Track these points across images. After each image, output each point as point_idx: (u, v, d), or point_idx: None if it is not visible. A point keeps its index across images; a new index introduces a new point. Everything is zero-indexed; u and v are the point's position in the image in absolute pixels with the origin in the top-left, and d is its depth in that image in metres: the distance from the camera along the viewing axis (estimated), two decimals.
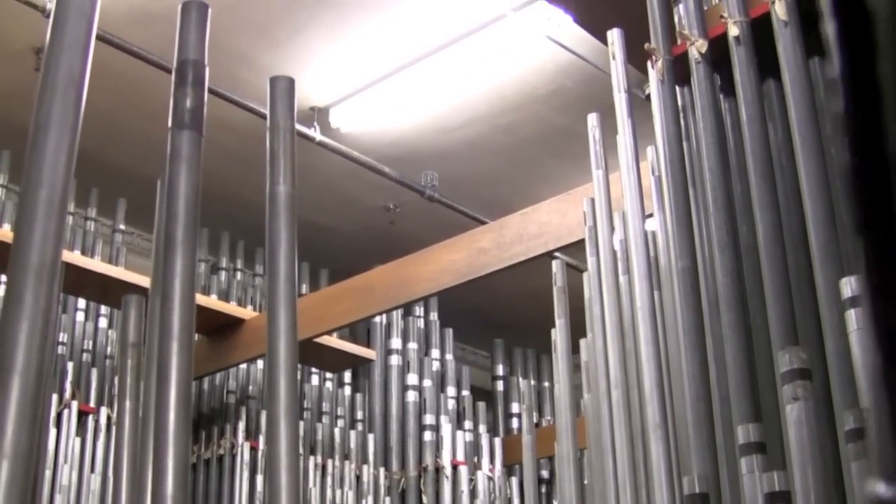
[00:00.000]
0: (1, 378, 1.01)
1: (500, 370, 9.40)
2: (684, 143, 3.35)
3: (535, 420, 7.79)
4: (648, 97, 3.49)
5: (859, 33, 0.64)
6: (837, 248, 2.83)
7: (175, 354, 1.17)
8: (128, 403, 1.56)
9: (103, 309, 7.32)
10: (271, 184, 1.41)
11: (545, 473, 8.57)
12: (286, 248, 1.35)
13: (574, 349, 3.75)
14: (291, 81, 1.50)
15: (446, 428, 8.14)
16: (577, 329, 3.74)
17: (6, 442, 0.98)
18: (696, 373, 3.07)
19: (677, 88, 3.37)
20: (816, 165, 2.90)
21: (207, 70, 1.39)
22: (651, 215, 3.51)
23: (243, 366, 7.71)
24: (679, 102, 3.38)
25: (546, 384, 9.55)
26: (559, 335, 3.75)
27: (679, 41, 3.36)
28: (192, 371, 1.21)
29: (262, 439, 7.35)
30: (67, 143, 1.09)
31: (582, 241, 4.01)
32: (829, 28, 0.66)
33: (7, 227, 6.94)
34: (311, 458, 7.43)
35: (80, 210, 7.46)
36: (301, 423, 7.07)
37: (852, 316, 2.62)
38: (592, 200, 3.71)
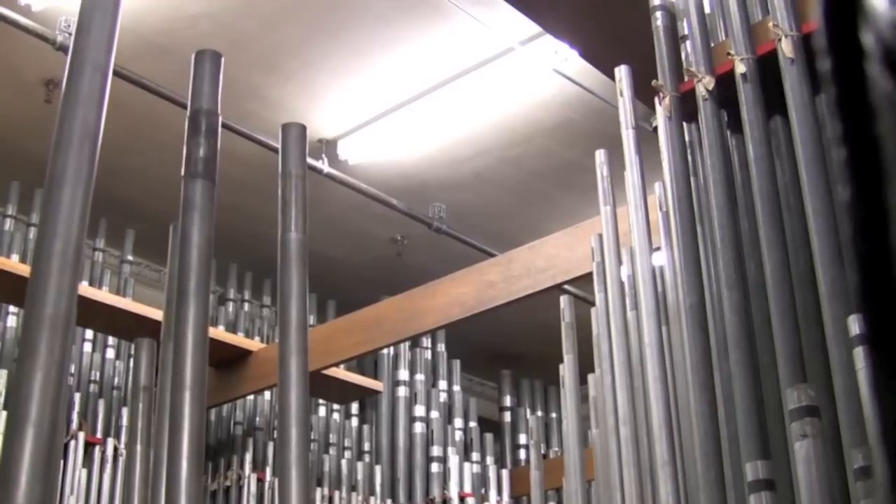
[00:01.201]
0: (15, 428, 1.02)
1: (507, 401, 9.39)
2: (692, 179, 3.36)
3: (542, 451, 7.78)
4: (656, 129, 3.50)
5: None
6: (845, 285, 2.83)
7: (188, 403, 1.18)
8: (139, 448, 1.56)
9: (111, 340, 7.33)
10: (283, 230, 1.42)
11: None
12: (297, 294, 1.36)
13: (582, 382, 3.75)
14: (303, 128, 1.51)
15: (454, 459, 8.12)
16: (586, 362, 3.74)
17: (20, 492, 0.98)
18: (705, 410, 3.07)
19: (685, 125, 3.38)
20: (823, 203, 2.91)
21: (220, 119, 1.40)
22: (658, 249, 3.51)
23: (251, 397, 7.71)
24: (686, 139, 3.39)
25: (553, 415, 9.53)
26: (567, 371, 3.76)
27: (686, 78, 3.37)
28: (204, 419, 1.22)
29: (269, 471, 7.34)
30: (82, 195, 1.10)
31: (590, 275, 4.01)
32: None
33: (15, 257, 6.96)
34: (319, 490, 7.42)
35: (88, 241, 7.47)
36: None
37: (860, 354, 2.62)
38: (600, 236, 3.72)
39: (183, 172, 1.34)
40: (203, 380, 1.22)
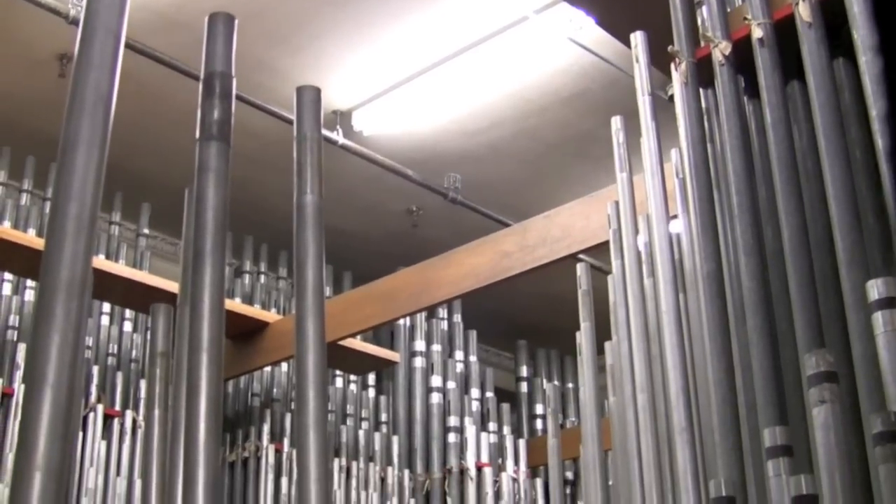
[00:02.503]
0: (33, 392, 1.02)
1: (523, 372, 9.40)
2: (708, 146, 3.34)
3: (559, 421, 7.76)
4: (671, 98, 3.48)
5: None
6: (863, 250, 2.82)
7: (205, 367, 1.18)
8: (156, 412, 1.56)
9: (128, 313, 7.35)
10: (298, 193, 1.42)
11: (570, 475, 8.57)
12: (314, 258, 1.36)
13: (599, 351, 3.75)
14: (318, 91, 1.51)
15: (470, 430, 8.14)
16: (602, 331, 3.73)
17: (39, 455, 0.98)
18: (722, 376, 3.06)
19: (701, 91, 3.36)
20: (842, 168, 2.89)
21: (234, 81, 1.39)
22: (675, 216, 3.50)
23: (268, 369, 7.73)
24: (703, 105, 3.37)
25: (570, 385, 9.54)
26: (584, 339, 3.75)
27: (702, 44, 3.35)
28: (221, 383, 1.22)
29: (286, 442, 7.37)
30: (96, 159, 1.10)
31: (606, 244, 4.00)
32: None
33: (32, 231, 6.98)
34: (336, 461, 7.44)
35: (104, 215, 7.49)
36: None
37: (879, 319, 2.60)
38: (616, 203, 3.71)
39: (197, 135, 1.34)
40: (220, 343, 1.22)
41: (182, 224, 1.63)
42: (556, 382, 9.48)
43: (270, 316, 7.45)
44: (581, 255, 5.57)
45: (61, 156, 1.11)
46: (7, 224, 6.95)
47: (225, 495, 7.21)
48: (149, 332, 1.59)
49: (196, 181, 1.31)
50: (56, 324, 1.03)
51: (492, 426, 8.41)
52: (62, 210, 1.08)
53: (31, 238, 6.47)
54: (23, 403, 1.04)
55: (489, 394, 8.66)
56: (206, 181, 1.30)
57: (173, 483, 1.32)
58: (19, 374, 6.29)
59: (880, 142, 2.74)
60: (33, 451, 0.99)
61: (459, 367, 8.53)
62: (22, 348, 6.49)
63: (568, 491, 8.55)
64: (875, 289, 2.62)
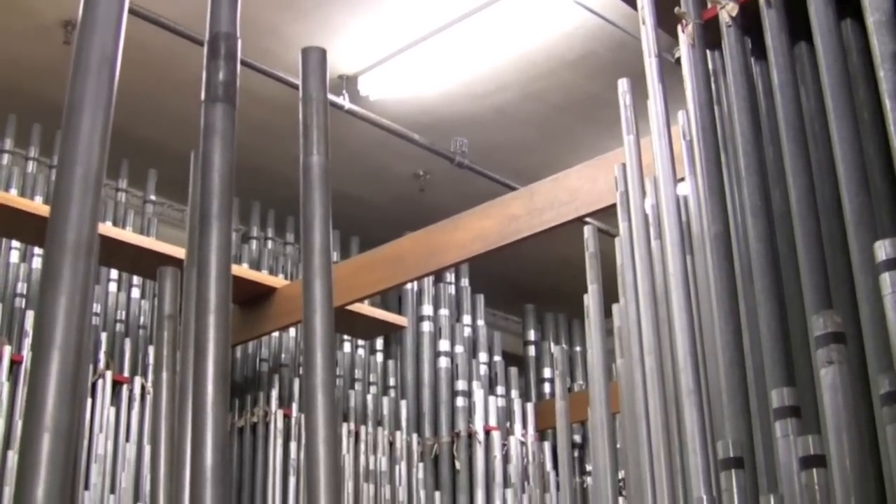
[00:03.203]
0: (41, 354, 1.02)
1: (531, 336, 9.41)
2: (715, 108, 3.33)
3: (567, 385, 7.75)
4: (678, 61, 3.47)
5: None
6: (871, 211, 2.82)
7: (212, 328, 1.18)
8: (164, 375, 1.57)
9: (136, 279, 7.36)
10: (305, 154, 1.41)
11: (577, 438, 8.59)
12: (321, 219, 1.35)
13: (607, 314, 3.75)
14: (323, 52, 1.50)
15: (478, 394, 8.16)
16: (609, 294, 3.73)
17: (47, 416, 0.98)
18: (730, 338, 3.06)
19: (708, 53, 3.35)
20: (849, 130, 2.88)
21: (239, 42, 1.39)
22: (682, 180, 3.50)
23: (276, 334, 7.74)
24: (710, 67, 3.36)
25: (578, 349, 9.55)
26: (592, 301, 3.75)
27: (709, 5, 3.34)
28: (229, 345, 1.22)
29: (295, 407, 7.39)
30: (102, 120, 1.10)
31: (613, 207, 4.00)
32: None
33: (39, 199, 6.98)
34: (345, 426, 7.47)
35: (110, 181, 7.50)
36: None
37: (887, 279, 2.60)
38: (623, 165, 3.70)
39: (203, 97, 1.34)
40: (227, 305, 1.22)
41: (189, 190, 1.62)
42: (563, 346, 9.48)
43: (278, 281, 7.46)
44: (588, 219, 5.57)
45: (66, 118, 1.11)
46: (14, 192, 6.95)
47: (234, 461, 7.24)
48: (156, 298, 1.60)
49: (202, 143, 1.31)
50: (63, 286, 1.03)
51: (500, 390, 8.42)
52: (68, 172, 1.08)
53: (37, 205, 6.47)
54: (30, 366, 1.05)
55: (497, 358, 8.67)
56: (212, 143, 1.29)
57: (181, 446, 1.33)
58: (28, 342, 6.30)
59: (888, 103, 2.73)
60: (41, 412, 0.99)
61: (467, 331, 8.54)
62: (30, 316, 6.51)
63: (576, 454, 8.58)
64: (883, 250, 2.62)
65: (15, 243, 6.88)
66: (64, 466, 0.96)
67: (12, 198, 6.58)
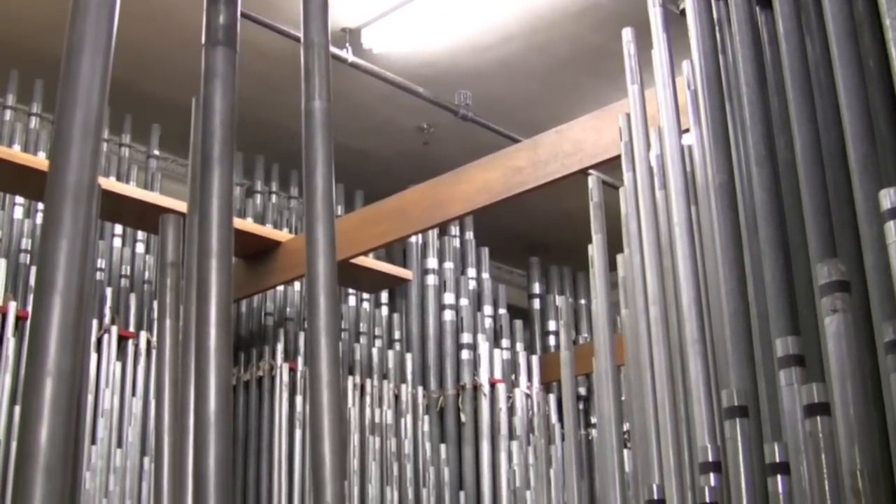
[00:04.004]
0: (42, 298, 1.02)
1: (536, 288, 9.42)
2: (720, 57, 3.32)
3: (571, 337, 7.77)
4: (683, 12, 3.45)
5: None
6: (876, 160, 2.81)
7: (214, 272, 1.17)
8: (168, 322, 1.57)
9: (140, 234, 7.36)
10: (306, 99, 1.41)
11: (582, 391, 8.62)
12: (323, 164, 1.35)
13: (611, 266, 3.74)
14: None
15: (483, 346, 8.17)
16: (614, 247, 3.73)
17: (49, 361, 0.98)
18: (734, 287, 3.06)
19: (713, 2, 3.33)
20: (854, 78, 2.87)
21: None
22: (687, 131, 3.49)
23: (280, 288, 7.75)
24: (715, 16, 3.34)
25: (582, 302, 9.56)
26: (596, 251, 3.74)
27: None
28: (231, 289, 1.21)
29: (300, 361, 7.40)
30: (101, 63, 1.09)
31: (617, 159, 3.99)
32: None
33: (42, 154, 6.97)
34: (350, 379, 7.49)
35: (114, 137, 7.48)
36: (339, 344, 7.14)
37: (892, 228, 2.60)
38: (628, 115, 3.69)
39: (203, 41, 1.33)
40: (229, 249, 1.21)
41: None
42: (568, 298, 9.49)
43: (282, 235, 7.45)
44: (592, 172, 5.55)
45: (66, 62, 1.10)
46: (17, 147, 6.94)
47: (240, 415, 7.27)
48: (159, 247, 1.59)
49: (203, 88, 1.30)
50: (64, 231, 1.03)
51: (505, 343, 8.44)
52: (68, 116, 1.08)
53: (41, 161, 6.46)
54: (32, 310, 1.04)
55: (502, 311, 8.68)
56: (213, 87, 1.29)
57: (185, 390, 1.33)
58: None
59: (894, 51, 2.71)
60: (44, 357, 0.99)
61: (472, 284, 8.55)
62: (35, 271, 6.51)
63: (581, 406, 8.61)
64: (888, 198, 2.61)
65: (19, 199, 6.87)
66: (67, 410, 0.96)
67: (15, 153, 6.57)
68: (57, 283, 1.01)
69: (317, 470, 1.23)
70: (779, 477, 2.64)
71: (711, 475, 2.91)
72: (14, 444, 5.78)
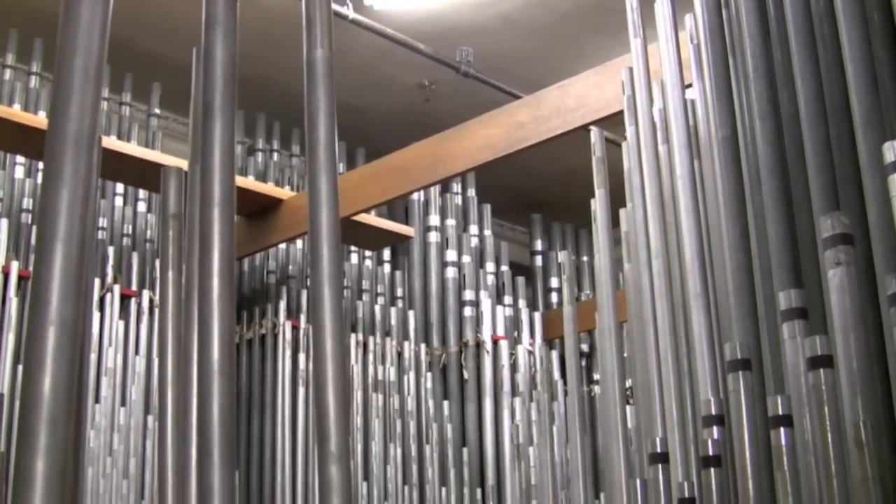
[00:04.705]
0: (44, 247, 1.02)
1: (538, 245, 9.42)
2: (723, 11, 3.30)
3: (574, 293, 7.73)
4: None
5: None
6: (880, 113, 2.79)
7: (217, 222, 1.17)
8: (170, 275, 1.56)
9: (142, 193, 7.35)
10: (308, 49, 1.40)
11: (584, 347, 8.64)
12: (325, 114, 1.34)
13: (614, 224, 3.74)
14: None
15: (486, 303, 8.18)
16: (616, 203, 3.72)
17: (52, 309, 0.98)
18: (737, 241, 3.06)
19: None
20: (858, 31, 2.85)
21: None
22: (690, 86, 3.47)
23: (282, 246, 7.75)
24: None
25: (584, 259, 9.56)
26: (599, 205, 3.74)
27: None
28: (234, 238, 1.21)
29: (303, 318, 7.41)
30: (101, 9, 1.08)
31: (619, 115, 3.97)
32: None
33: (42, 114, 6.95)
34: (353, 336, 7.50)
35: (114, 96, 7.46)
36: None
37: (895, 181, 2.59)
38: (631, 69, 3.67)
39: None
40: (231, 198, 1.21)
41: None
42: (571, 255, 9.48)
43: (284, 193, 7.44)
44: (594, 128, 5.54)
45: (65, 9, 1.09)
46: (17, 107, 6.92)
47: (243, 373, 7.28)
48: (161, 199, 1.59)
49: (203, 36, 1.29)
50: (65, 178, 1.02)
51: (507, 300, 8.44)
52: (68, 64, 1.07)
53: (41, 120, 6.44)
54: (34, 259, 1.04)
55: (504, 268, 8.68)
56: (214, 35, 1.28)
57: (189, 342, 1.33)
58: (33, 265, 6.31)
59: None
60: (46, 306, 0.99)
61: (474, 241, 8.54)
62: (37, 224, 6.50)
63: (583, 363, 8.62)
64: (891, 151, 2.61)
65: (20, 159, 6.86)
66: (70, 359, 0.96)
67: (16, 112, 6.55)
68: (58, 232, 1.01)
69: (321, 421, 1.23)
70: (781, 429, 2.65)
71: (714, 428, 2.92)
72: (18, 403, 5.79)
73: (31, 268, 6.23)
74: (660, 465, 3.10)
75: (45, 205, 1.03)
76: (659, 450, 3.12)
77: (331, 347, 1.29)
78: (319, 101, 1.35)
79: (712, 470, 2.85)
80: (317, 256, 1.28)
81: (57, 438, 0.93)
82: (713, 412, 2.95)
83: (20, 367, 5.98)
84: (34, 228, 6.46)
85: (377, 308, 7.89)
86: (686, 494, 2.96)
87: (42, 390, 0.96)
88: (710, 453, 2.87)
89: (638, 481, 3.19)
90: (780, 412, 2.66)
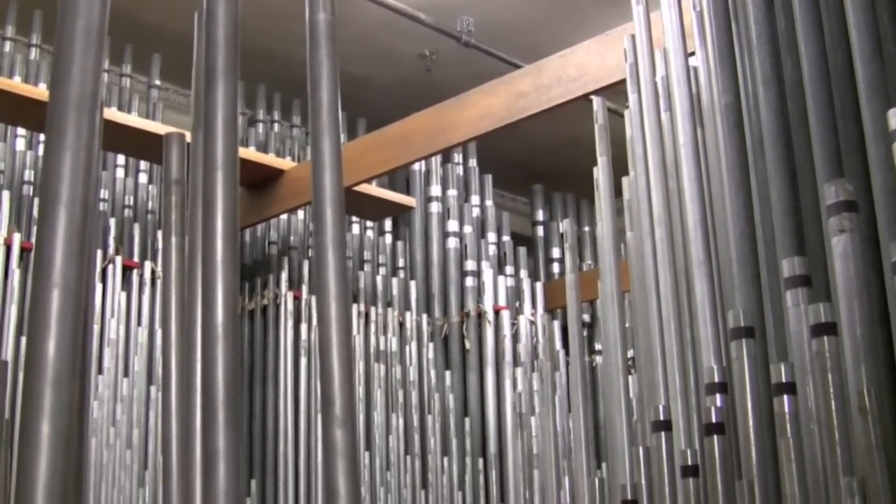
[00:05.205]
0: (47, 210, 1.01)
1: (539, 216, 9.41)
2: None
3: (576, 261, 7.70)
4: None
5: None
6: (885, 80, 2.79)
7: (220, 184, 1.16)
8: (173, 240, 1.56)
9: (143, 164, 7.34)
10: (311, 13, 1.39)
11: (586, 317, 8.63)
12: (328, 77, 1.33)
13: (617, 194, 3.73)
14: None
15: (487, 273, 8.17)
16: (618, 173, 3.71)
17: (55, 272, 0.98)
18: (741, 209, 3.05)
19: None
20: None
21: None
22: (693, 54, 3.46)
23: (284, 217, 7.74)
24: None
25: (586, 229, 9.55)
26: (601, 173, 3.73)
27: None
28: (237, 201, 1.20)
29: (304, 289, 7.41)
30: None
31: (621, 84, 3.96)
32: None
33: (43, 86, 6.93)
34: (355, 306, 7.50)
35: (114, 67, 7.44)
36: None
37: None
38: (633, 37, 3.66)
39: None
40: (234, 161, 1.20)
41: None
42: (573, 225, 9.46)
43: (285, 163, 7.43)
44: (596, 96, 5.52)
45: None
46: (17, 79, 6.90)
47: (245, 344, 7.29)
48: (163, 165, 1.58)
49: (205, 1, 1.28)
50: (67, 142, 1.02)
51: (509, 270, 8.44)
52: (69, 26, 1.06)
53: (42, 92, 6.42)
54: (38, 223, 1.04)
55: (506, 238, 8.68)
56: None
57: (192, 307, 1.32)
58: (37, 229, 6.30)
59: None
60: (50, 268, 0.99)
61: (475, 211, 8.53)
62: (39, 185, 6.50)
63: (585, 332, 8.62)
64: None
65: (21, 131, 6.84)
66: (74, 322, 0.96)
67: (16, 84, 6.54)
68: (61, 196, 1.00)
69: (325, 385, 1.22)
70: (785, 397, 2.65)
71: (717, 396, 2.92)
72: (21, 375, 5.80)
73: (32, 239, 6.24)
74: (662, 433, 3.11)
75: (48, 168, 1.02)
76: (662, 417, 3.12)
77: (335, 311, 1.29)
78: (322, 63, 1.34)
79: (715, 437, 2.85)
80: (320, 220, 1.28)
81: (62, 401, 0.93)
82: (716, 380, 2.95)
83: (23, 339, 5.99)
84: (36, 200, 6.46)
85: (379, 278, 7.89)
86: (689, 462, 2.96)
87: (46, 353, 0.95)
88: (713, 421, 2.87)
89: (640, 449, 3.20)
90: (784, 380, 2.67)
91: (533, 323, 8.18)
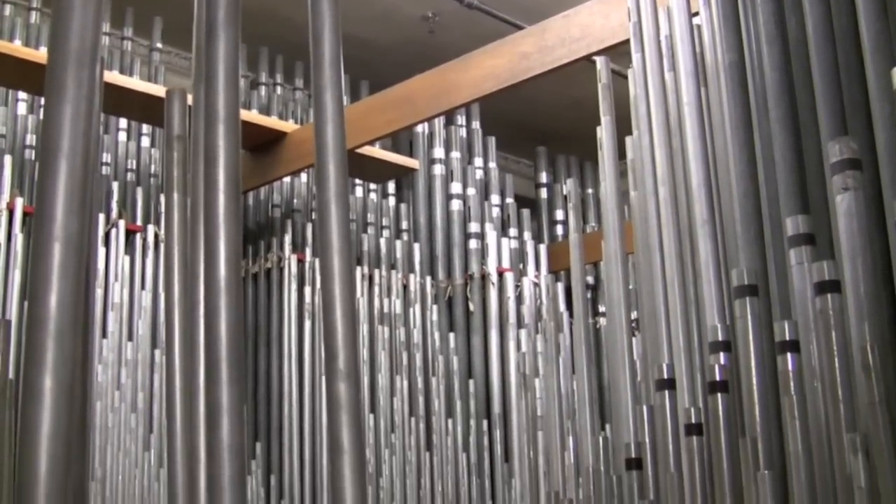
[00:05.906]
0: (48, 163, 1.01)
1: (543, 178, 9.39)
2: None
3: (580, 222, 7.68)
4: None
5: None
6: (889, 38, 2.78)
7: (222, 137, 1.16)
8: (175, 196, 1.55)
9: (145, 128, 7.32)
10: None
11: (590, 279, 8.63)
12: (330, 30, 1.32)
13: (620, 156, 3.72)
14: None
15: (491, 235, 8.17)
16: (621, 135, 3.70)
17: (57, 225, 0.98)
18: (744, 168, 3.05)
19: None
20: None
21: None
22: (696, 14, 3.44)
23: (287, 179, 7.73)
24: None
25: (590, 192, 9.53)
26: (605, 133, 3.72)
27: None
28: (239, 154, 1.20)
29: (308, 251, 7.41)
30: None
31: (625, 44, 3.94)
32: None
33: (43, 49, 6.91)
34: (359, 269, 7.50)
35: (116, 31, 7.41)
36: None
37: None
38: None
39: None
40: (236, 115, 1.19)
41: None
42: (577, 187, 9.45)
43: (288, 126, 7.41)
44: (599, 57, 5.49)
45: None
46: (18, 43, 6.88)
47: (249, 307, 7.30)
48: (164, 121, 1.56)
49: None
50: (67, 95, 1.01)
51: (512, 232, 8.43)
52: None
53: (42, 55, 6.40)
54: (39, 176, 1.03)
55: (509, 200, 8.66)
56: None
57: (195, 262, 1.32)
58: (38, 182, 6.30)
59: None
60: (51, 222, 0.98)
61: (479, 173, 8.52)
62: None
63: (589, 295, 8.62)
64: None
65: (22, 95, 6.83)
66: (76, 275, 0.95)
67: (17, 48, 6.52)
68: (62, 148, 1.00)
69: (329, 339, 1.22)
70: (788, 355, 2.65)
71: (721, 354, 2.92)
72: (24, 336, 5.81)
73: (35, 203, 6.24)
74: (666, 392, 3.11)
75: (48, 121, 1.02)
76: (665, 376, 3.13)
77: (338, 266, 1.29)
78: (323, 16, 1.33)
79: (719, 396, 2.86)
80: (323, 174, 1.27)
81: (64, 354, 0.93)
82: (720, 338, 2.95)
83: (27, 304, 6.00)
84: (38, 164, 6.45)
85: (382, 241, 7.89)
86: (693, 420, 2.97)
87: (48, 306, 0.95)
88: (717, 379, 2.87)
89: (644, 407, 3.21)
90: (787, 337, 2.67)
91: (537, 285, 8.18)
